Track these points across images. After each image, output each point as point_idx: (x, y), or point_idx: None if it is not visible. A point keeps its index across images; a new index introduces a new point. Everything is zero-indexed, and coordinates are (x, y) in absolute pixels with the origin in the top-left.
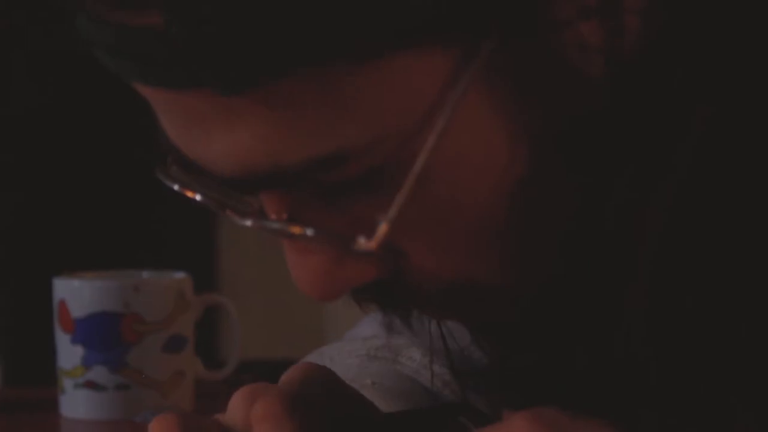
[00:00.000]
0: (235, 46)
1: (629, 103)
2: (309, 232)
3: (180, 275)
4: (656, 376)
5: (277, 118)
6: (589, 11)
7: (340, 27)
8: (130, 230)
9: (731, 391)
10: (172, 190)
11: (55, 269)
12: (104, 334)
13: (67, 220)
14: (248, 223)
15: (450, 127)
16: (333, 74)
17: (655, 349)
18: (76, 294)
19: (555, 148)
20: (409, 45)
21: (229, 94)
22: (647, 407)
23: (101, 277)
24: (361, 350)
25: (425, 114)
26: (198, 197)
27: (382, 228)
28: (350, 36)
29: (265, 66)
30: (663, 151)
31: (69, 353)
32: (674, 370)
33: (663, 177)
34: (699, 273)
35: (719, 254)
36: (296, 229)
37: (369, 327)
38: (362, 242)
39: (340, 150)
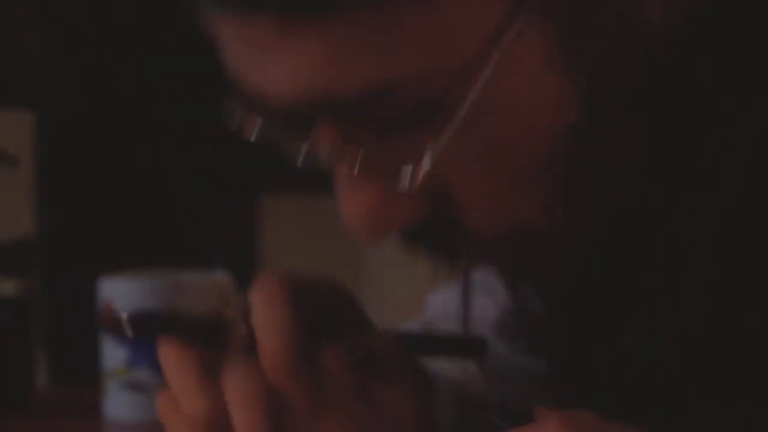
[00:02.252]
0: None
1: (690, 46)
2: (358, 163)
3: (222, 274)
4: (708, 357)
5: (333, 45)
6: None
7: None
8: (172, 229)
9: None
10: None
11: (99, 269)
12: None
13: (111, 219)
14: (300, 159)
15: (502, 65)
16: (391, 6)
17: (709, 326)
18: (122, 294)
19: (610, 95)
20: None
21: (287, 17)
22: (694, 396)
23: (145, 276)
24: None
25: (478, 51)
26: (254, 135)
27: (428, 161)
28: None
29: None
30: (728, 97)
31: (113, 353)
32: (726, 356)
33: (730, 125)
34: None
35: None
36: (346, 162)
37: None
38: (408, 175)
39: (392, 80)
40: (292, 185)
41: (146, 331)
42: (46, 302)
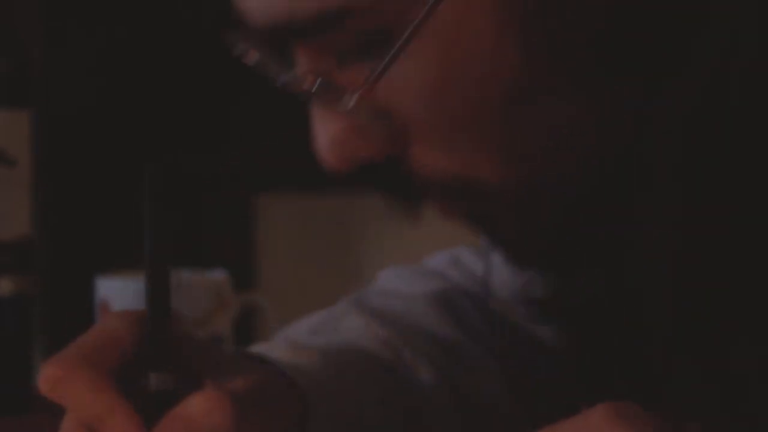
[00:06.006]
0: None
1: (635, 15)
2: (317, 88)
3: (219, 274)
4: (666, 305)
5: None
6: None
7: None
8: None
9: (738, 327)
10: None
11: (95, 268)
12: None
13: (109, 218)
14: (277, 79)
15: (442, 4)
16: None
17: (666, 275)
18: (119, 293)
19: (555, 53)
20: None
21: None
22: (657, 339)
23: (142, 276)
24: (303, 328)
25: None
26: (253, 60)
27: (369, 84)
28: None
29: None
30: (674, 50)
31: None
32: (684, 298)
33: (675, 78)
34: (719, 184)
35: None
36: (305, 85)
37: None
38: (349, 98)
39: (347, 6)
40: (289, 184)
41: None
42: (44, 301)
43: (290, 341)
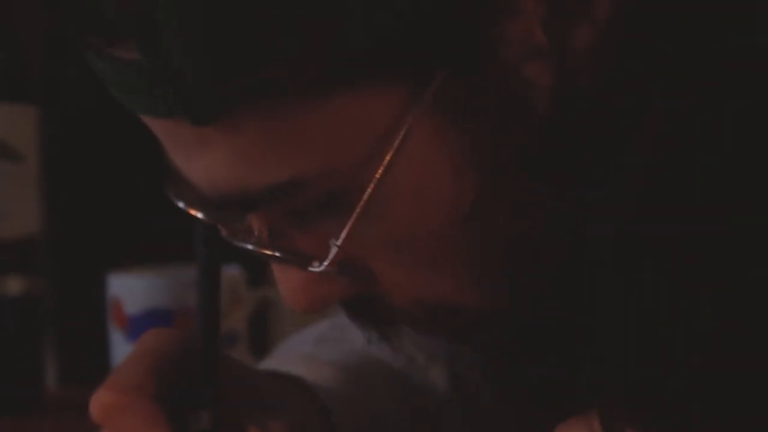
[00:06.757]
0: (198, 82)
1: (574, 134)
2: (277, 252)
3: (233, 270)
4: (624, 386)
5: (240, 146)
6: (537, 53)
7: (289, 67)
8: (181, 224)
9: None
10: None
11: (107, 265)
12: None
13: (120, 215)
14: (233, 241)
15: (396, 160)
16: (287, 109)
17: (622, 361)
18: (131, 291)
19: (506, 177)
20: (356, 84)
21: (196, 124)
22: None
23: (155, 273)
24: (309, 338)
25: (373, 147)
26: (199, 215)
27: (333, 251)
28: (299, 75)
29: (223, 101)
30: (610, 174)
31: (123, 351)
32: (641, 378)
33: (610, 198)
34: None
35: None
36: (267, 250)
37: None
38: (317, 264)
39: (296, 178)
40: None
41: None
42: (54, 300)
43: (302, 355)
